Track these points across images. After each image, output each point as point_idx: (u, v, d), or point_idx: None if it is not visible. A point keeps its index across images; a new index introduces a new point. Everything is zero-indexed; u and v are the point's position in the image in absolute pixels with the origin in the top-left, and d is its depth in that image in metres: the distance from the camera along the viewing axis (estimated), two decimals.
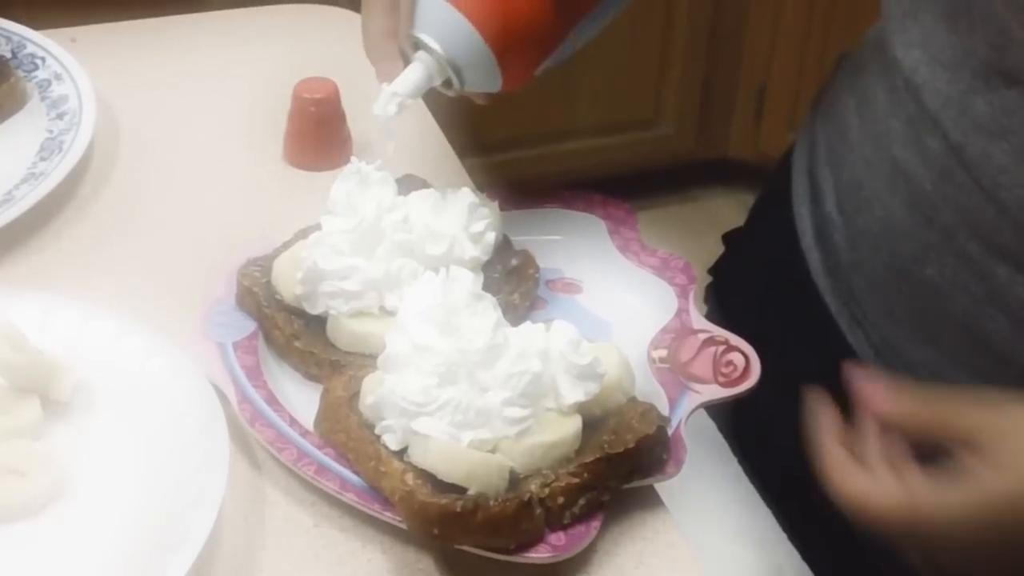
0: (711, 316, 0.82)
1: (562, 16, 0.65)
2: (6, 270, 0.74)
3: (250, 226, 0.79)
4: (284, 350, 0.66)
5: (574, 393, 0.59)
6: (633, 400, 0.61)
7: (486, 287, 0.66)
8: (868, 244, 0.72)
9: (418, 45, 0.64)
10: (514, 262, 0.70)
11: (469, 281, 0.61)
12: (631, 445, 0.58)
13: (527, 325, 0.61)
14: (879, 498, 0.56)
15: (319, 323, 0.66)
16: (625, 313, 0.70)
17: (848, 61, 0.78)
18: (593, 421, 0.60)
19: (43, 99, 0.85)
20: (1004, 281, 0.64)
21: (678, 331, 0.65)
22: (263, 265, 0.69)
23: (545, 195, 0.76)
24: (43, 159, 0.80)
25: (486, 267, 0.69)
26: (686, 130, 2.28)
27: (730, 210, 2.30)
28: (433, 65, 0.64)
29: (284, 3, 1.02)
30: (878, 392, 0.59)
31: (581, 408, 0.59)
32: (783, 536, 0.74)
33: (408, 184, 0.72)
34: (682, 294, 0.68)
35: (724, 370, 0.62)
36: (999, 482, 0.55)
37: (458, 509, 0.55)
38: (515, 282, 0.69)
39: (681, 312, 0.67)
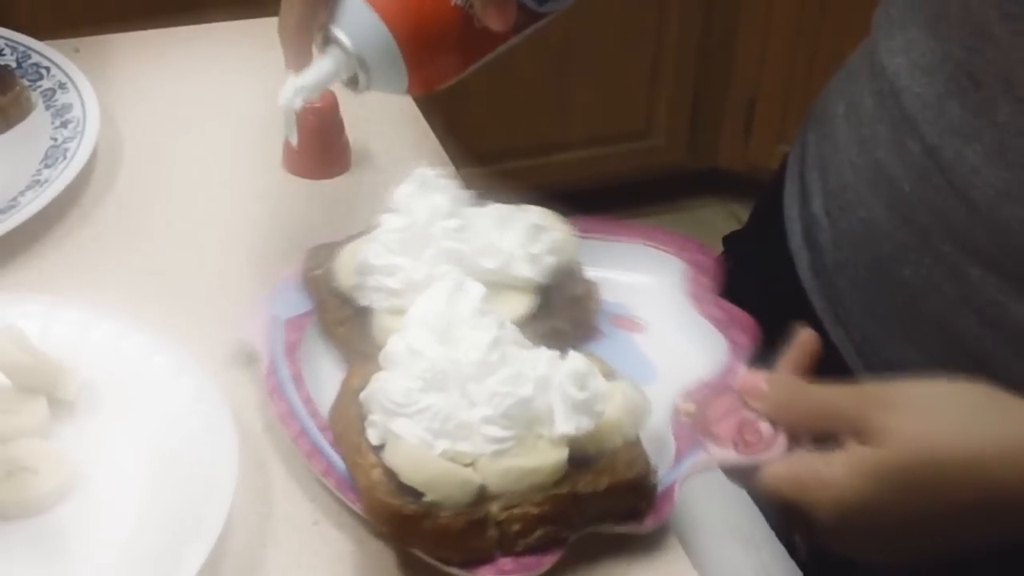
0: None
1: (480, 38, 0.65)
2: (11, 274, 0.75)
3: (250, 232, 0.80)
4: (328, 334, 0.68)
5: (566, 425, 0.57)
6: (630, 444, 0.60)
7: (540, 310, 0.66)
8: (851, 245, 0.74)
9: (329, 39, 0.65)
10: (578, 291, 0.69)
11: (478, 295, 0.61)
12: (600, 488, 0.57)
13: (541, 350, 0.60)
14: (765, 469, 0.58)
15: (367, 314, 0.67)
16: (676, 360, 0.67)
17: (843, 70, 0.80)
18: (586, 458, 0.59)
19: (48, 108, 0.86)
20: (976, 281, 0.66)
21: (715, 388, 0.63)
22: (331, 250, 0.70)
23: (630, 228, 0.74)
24: (47, 166, 0.81)
25: (547, 291, 0.67)
26: (677, 142, 2.30)
27: (720, 219, 2.31)
28: (342, 60, 0.65)
29: None
30: (759, 388, 0.60)
31: (573, 442, 0.58)
32: (771, 535, 0.75)
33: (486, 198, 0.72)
34: (736, 352, 0.66)
35: (748, 437, 0.59)
36: (883, 454, 0.55)
37: (407, 512, 0.55)
38: (571, 310, 0.68)
39: (728, 371, 0.64)
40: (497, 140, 2.14)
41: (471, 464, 0.57)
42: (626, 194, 2.24)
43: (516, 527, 0.56)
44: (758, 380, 0.60)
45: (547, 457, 0.57)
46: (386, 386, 0.58)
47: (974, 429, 0.55)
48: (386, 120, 0.92)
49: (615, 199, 2.30)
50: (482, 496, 0.57)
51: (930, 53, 0.66)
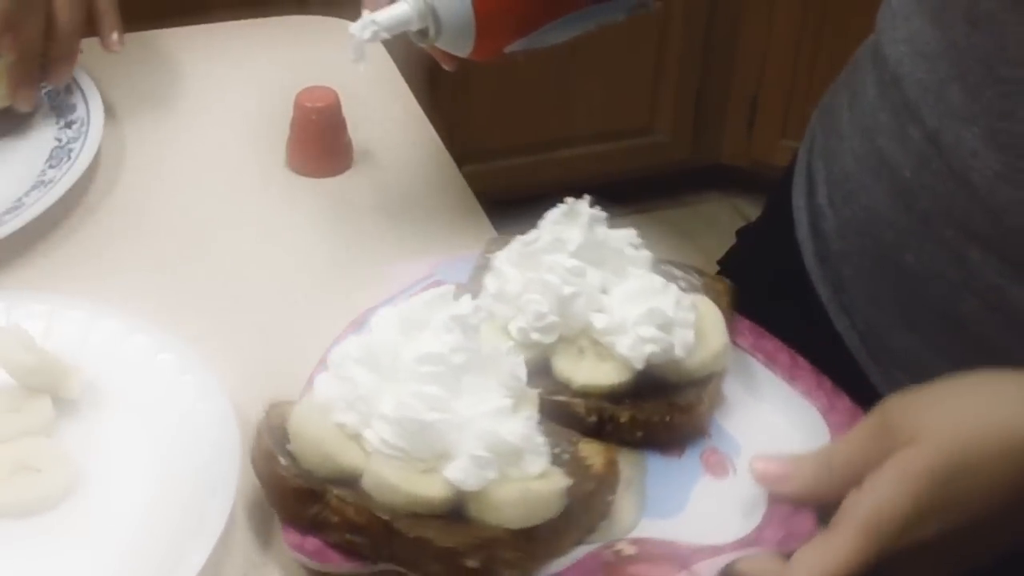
0: None
1: (550, 3, 0.67)
2: (16, 273, 0.76)
3: (252, 231, 0.81)
4: None
5: (453, 471, 0.54)
6: (499, 528, 0.55)
7: (626, 396, 0.61)
8: (854, 233, 0.74)
9: None
10: (679, 400, 0.61)
11: (459, 312, 0.58)
12: (412, 535, 0.54)
13: (497, 399, 0.56)
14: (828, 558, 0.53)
15: None
16: (710, 516, 0.59)
17: (849, 64, 0.81)
18: (462, 515, 0.55)
19: (52, 108, 0.87)
20: (977, 265, 0.67)
21: (676, 556, 0.56)
22: (505, 242, 0.69)
23: (800, 367, 0.65)
24: (52, 166, 0.82)
25: (644, 381, 0.62)
26: (681, 137, 2.30)
27: (724, 214, 2.32)
28: (417, 9, 0.67)
29: (287, 14, 1.03)
30: (782, 472, 0.56)
31: (459, 493, 0.55)
32: None
33: (667, 269, 0.68)
34: (754, 542, 0.57)
35: None
36: (917, 451, 0.53)
37: (263, 447, 0.57)
38: (656, 415, 0.61)
39: (711, 553, 0.56)
40: (501, 137, 2.15)
41: (369, 453, 0.56)
42: (631, 190, 2.24)
43: (335, 519, 0.55)
44: (779, 466, 0.56)
45: (425, 490, 0.55)
46: (344, 344, 0.58)
47: (1002, 411, 0.54)
48: (388, 118, 0.92)
49: (619, 195, 2.30)
50: (346, 479, 0.56)
51: (934, 41, 0.67)
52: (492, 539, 0.54)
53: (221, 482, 0.59)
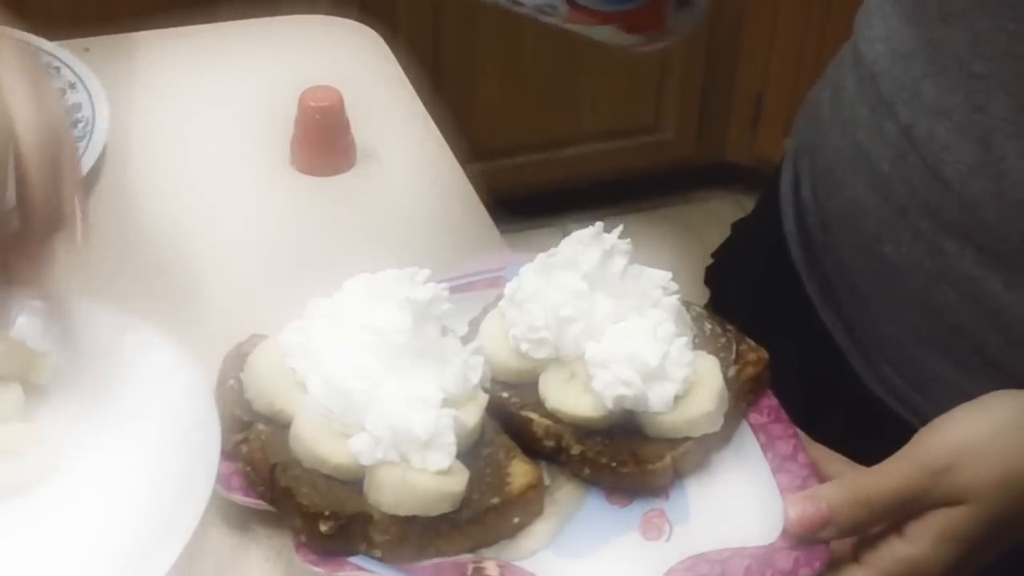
0: (711, 300, 0.84)
1: None
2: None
3: (257, 228, 0.81)
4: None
5: (354, 439, 0.56)
6: (378, 512, 0.56)
7: (592, 426, 0.60)
8: (836, 226, 0.76)
9: None
10: (641, 453, 0.59)
11: (414, 296, 0.58)
12: (288, 485, 0.56)
13: (433, 389, 0.57)
14: None
15: None
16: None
17: (832, 61, 0.82)
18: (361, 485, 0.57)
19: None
20: (952, 256, 0.68)
21: None
22: None
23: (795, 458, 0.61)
24: None
25: (620, 424, 0.60)
26: (686, 135, 2.30)
27: (728, 211, 2.32)
28: None
29: (292, 14, 1.03)
30: (820, 519, 0.55)
31: (358, 464, 0.56)
32: None
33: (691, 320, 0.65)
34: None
35: None
36: (970, 510, 0.55)
37: (236, 412, 0.59)
38: (603, 455, 0.59)
39: None
40: (507, 135, 2.15)
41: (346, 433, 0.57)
42: (636, 187, 2.25)
43: (245, 450, 0.58)
44: (816, 510, 0.55)
45: (330, 452, 0.56)
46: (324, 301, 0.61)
47: None
48: (392, 117, 0.92)
49: (624, 192, 2.31)
50: (277, 420, 0.58)
51: (910, 40, 0.69)
52: (359, 514, 0.55)
53: (203, 456, 0.59)
